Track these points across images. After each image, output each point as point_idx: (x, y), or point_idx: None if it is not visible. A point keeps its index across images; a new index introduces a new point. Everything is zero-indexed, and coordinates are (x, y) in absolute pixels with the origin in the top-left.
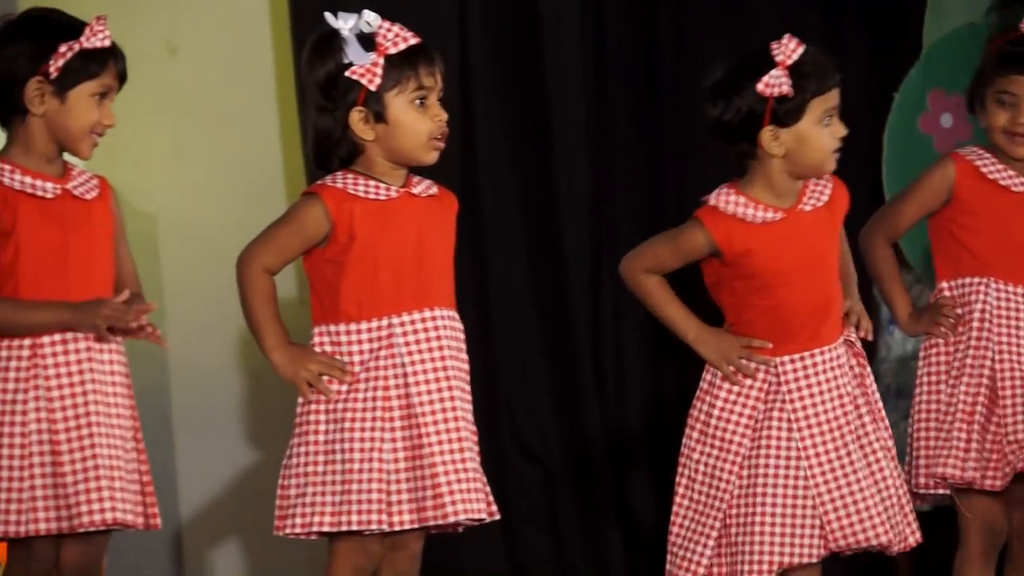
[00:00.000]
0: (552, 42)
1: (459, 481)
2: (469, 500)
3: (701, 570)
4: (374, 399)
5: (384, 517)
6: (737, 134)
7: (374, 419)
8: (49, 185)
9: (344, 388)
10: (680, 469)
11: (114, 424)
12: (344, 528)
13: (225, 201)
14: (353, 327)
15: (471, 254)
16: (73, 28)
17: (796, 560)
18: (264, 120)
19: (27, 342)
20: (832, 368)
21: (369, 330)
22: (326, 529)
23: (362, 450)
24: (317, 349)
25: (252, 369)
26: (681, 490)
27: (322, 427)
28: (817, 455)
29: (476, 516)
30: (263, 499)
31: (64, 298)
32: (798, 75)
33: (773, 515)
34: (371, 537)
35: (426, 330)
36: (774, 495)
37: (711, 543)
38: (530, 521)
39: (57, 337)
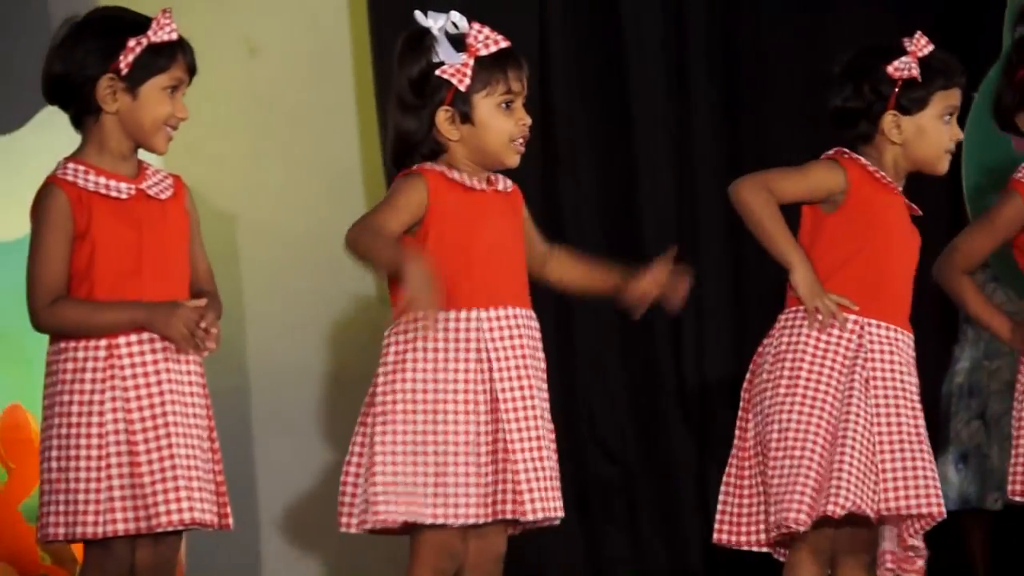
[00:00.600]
0: (633, 41)
1: (538, 480)
2: (547, 499)
3: (802, 516)
4: (455, 391)
5: (462, 511)
6: (860, 116)
7: (456, 412)
8: (123, 185)
9: (427, 380)
10: (769, 424)
11: (190, 424)
12: (428, 520)
13: (304, 201)
14: (440, 315)
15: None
16: (140, 24)
17: (869, 508)
18: (343, 120)
19: (103, 343)
20: (910, 348)
21: (456, 319)
22: (405, 519)
23: (446, 443)
24: (400, 338)
25: (331, 370)
26: (774, 444)
27: (399, 417)
28: (889, 421)
29: (552, 515)
30: None
31: (139, 297)
32: (926, 67)
33: (851, 463)
34: (453, 535)
35: (509, 327)
36: (852, 447)
37: (810, 487)
38: (609, 520)
39: (133, 338)
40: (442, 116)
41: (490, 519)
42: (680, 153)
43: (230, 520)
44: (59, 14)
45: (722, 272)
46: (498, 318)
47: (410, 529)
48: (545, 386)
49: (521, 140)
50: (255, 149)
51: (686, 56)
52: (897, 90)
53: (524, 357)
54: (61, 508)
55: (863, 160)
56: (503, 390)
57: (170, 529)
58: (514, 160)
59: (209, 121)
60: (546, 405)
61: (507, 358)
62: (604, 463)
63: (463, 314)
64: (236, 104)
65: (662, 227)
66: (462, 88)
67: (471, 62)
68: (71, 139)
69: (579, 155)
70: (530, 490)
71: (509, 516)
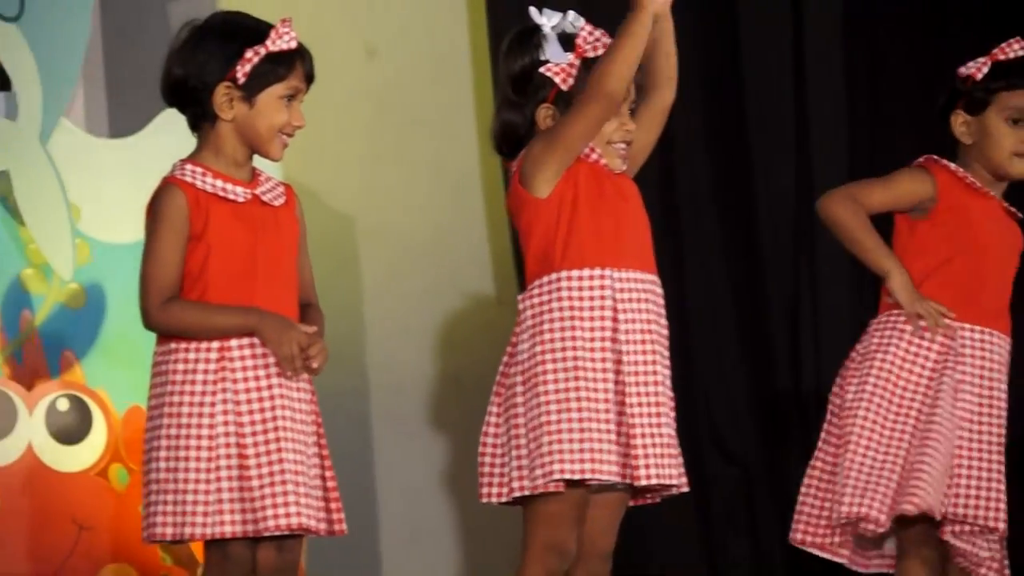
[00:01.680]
0: (750, 38)
1: (655, 446)
2: (662, 466)
3: (882, 516)
4: (591, 348)
5: (606, 468)
6: (942, 117)
7: (595, 369)
8: (240, 189)
9: (564, 338)
10: (853, 418)
11: (299, 430)
12: (582, 475)
13: (422, 203)
14: (575, 273)
15: (669, 254)
16: (259, 31)
17: (938, 510)
18: (461, 121)
19: (215, 345)
20: (1005, 351)
21: (591, 277)
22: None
23: (588, 400)
24: (536, 300)
25: (451, 371)
26: (855, 439)
27: (549, 376)
28: (971, 428)
29: (668, 483)
30: (462, 501)
31: (250, 302)
32: (996, 67)
33: (932, 465)
34: (572, 506)
35: (637, 291)
36: (934, 449)
37: (892, 485)
38: (728, 522)
39: (245, 341)
40: (543, 114)
41: (623, 479)
42: (799, 152)
43: (344, 526)
44: (179, 17)
45: (839, 269)
46: (626, 279)
47: (522, 501)
48: (667, 354)
49: (624, 144)
50: (373, 151)
51: (803, 52)
52: (964, 90)
53: (649, 322)
54: (170, 508)
55: (952, 166)
56: (627, 352)
57: (276, 533)
58: (617, 163)
59: (327, 124)
60: (667, 373)
61: (633, 320)
62: (723, 464)
63: (596, 272)
64: (354, 106)
65: (779, 222)
66: (564, 88)
67: (577, 63)
68: (191, 142)
69: (695, 147)
70: (645, 455)
71: (626, 480)
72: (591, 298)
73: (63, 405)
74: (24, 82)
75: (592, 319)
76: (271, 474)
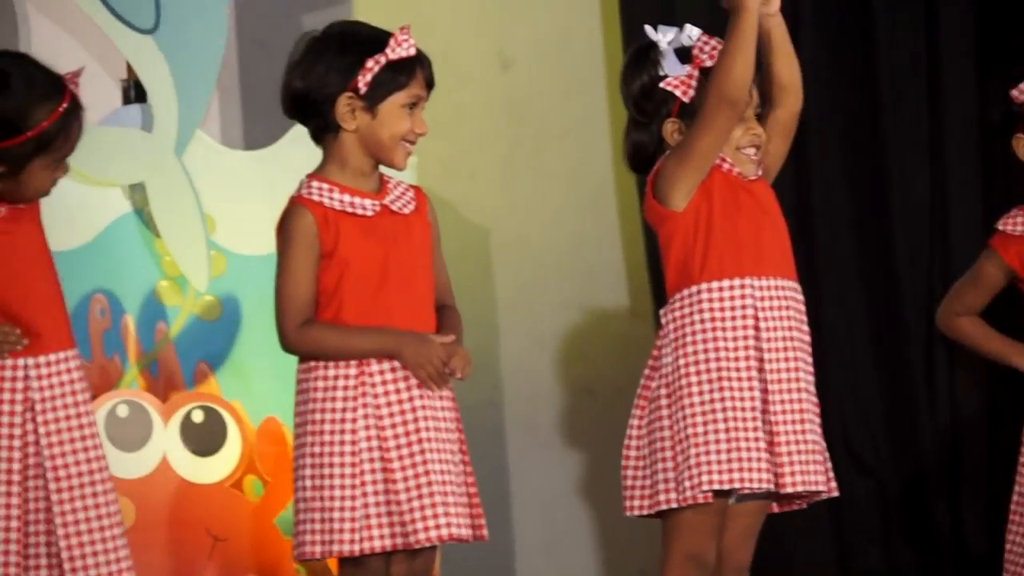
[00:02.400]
0: (885, 47)
1: (800, 453)
2: (808, 472)
3: None
4: (736, 358)
5: (756, 476)
6: (1003, 140)
7: (740, 379)
8: (368, 202)
9: (707, 349)
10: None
11: (443, 439)
12: (728, 486)
13: (557, 215)
14: (715, 284)
15: (805, 266)
16: (378, 40)
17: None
18: (596, 133)
19: (354, 361)
20: None
21: (732, 288)
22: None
23: (735, 409)
24: (678, 313)
25: (584, 382)
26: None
27: (694, 389)
28: None
29: (814, 488)
30: (596, 510)
31: (386, 315)
32: None
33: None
34: (713, 515)
35: (778, 298)
36: None
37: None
38: (861, 532)
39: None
40: (669, 128)
41: (770, 487)
42: (934, 162)
43: (485, 531)
44: (314, 27)
45: None
46: (767, 287)
47: (663, 513)
48: (810, 359)
49: (753, 149)
50: (508, 163)
51: (939, 63)
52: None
53: (791, 329)
54: (317, 526)
55: (1011, 224)
56: (770, 360)
57: (427, 545)
58: (750, 170)
59: (463, 135)
60: (811, 379)
61: (775, 328)
62: (856, 474)
63: (736, 282)
64: (490, 118)
65: (913, 232)
66: (686, 100)
67: (696, 73)
68: (320, 155)
69: (829, 165)
70: (791, 462)
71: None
72: (732, 308)
73: (198, 417)
74: (160, 94)
75: (735, 328)
76: (418, 487)
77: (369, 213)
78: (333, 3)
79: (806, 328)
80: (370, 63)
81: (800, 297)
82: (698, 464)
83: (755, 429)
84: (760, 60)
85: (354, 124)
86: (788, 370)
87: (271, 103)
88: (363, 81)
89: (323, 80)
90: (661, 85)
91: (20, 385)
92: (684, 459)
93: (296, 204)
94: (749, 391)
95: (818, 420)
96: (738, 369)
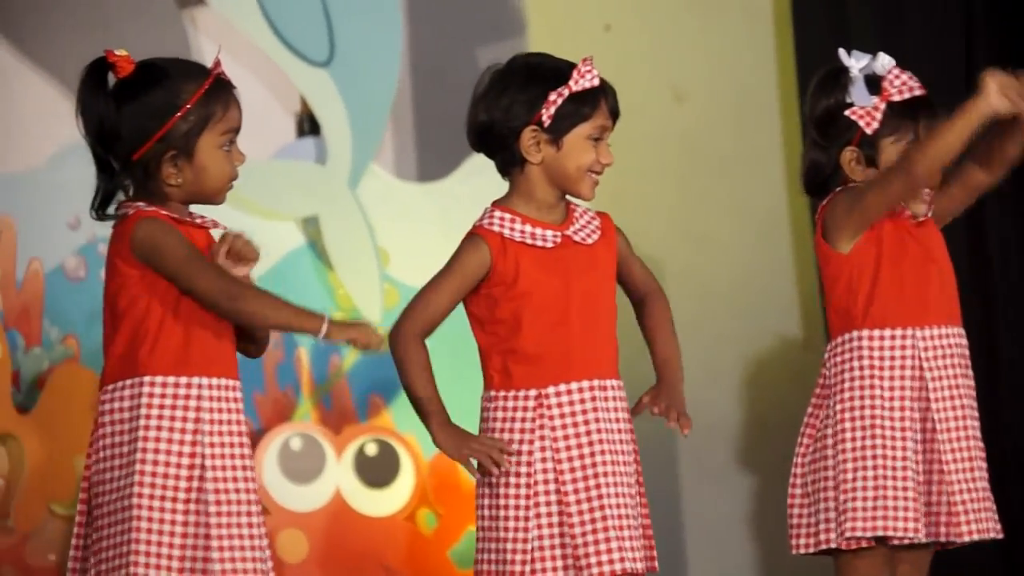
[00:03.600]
0: None
1: (973, 501)
2: (981, 520)
3: None
4: (891, 408)
5: (910, 525)
6: None
7: (894, 428)
8: (549, 233)
9: (864, 396)
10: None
11: (620, 472)
12: (875, 532)
13: (729, 247)
14: (876, 333)
15: (979, 304)
16: (561, 72)
17: None
18: (768, 164)
19: (532, 392)
20: None
21: (893, 338)
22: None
23: (884, 458)
24: (839, 359)
25: (757, 413)
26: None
27: (851, 436)
28: None
29: (988, 537)
30: (768, 543)
31: (566, 346)
32: None
33: None
34: (880, 560)
35: (942, 347)
36: None
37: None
38: None
39: (562, 387)
40: (847, 156)
41: (925, 538)
42: None
43: (656, 563)
44: (488, 60)
45: None
46: (931, 337)
47: (830, 553)
48: (975, 404)
49: (927, 190)
50: (681, 193)
51: None
52: None
53: (956, 376)
54: (492, 556)
55: None
56: (938, 410)
57: None
58: (920, 209)
59: (636, 167)
60: (977, 424)
61: (941, 377)
62: None
63: (898, 332)
64: (662, 150)
65: None
66: (869, 132)
67: (883, 106)
68: (499, 186)
69: (1007, 185)
70: (966, 511)
71: (943, 538)
72: (892, 358)
73: (371, 449)
74: (334, 127)
75: (892, 379)
76: (592, 520)
77: (549, 244)
78: (507, 35)
79: (970, 373)
80: (553, 96)
81: (964, 343)
82: (846, 511)
83: (905, 479)
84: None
85: (539, 157)
86: (957, 419)
87: (445, 135)
88: (547, 114)
89: (507, 113)
90: (846, 112)
91: (193, 404)
92: (837, 503)
93: (474, 234)
94: (902, 440)
95: (984, 464)
96: (892, 419)
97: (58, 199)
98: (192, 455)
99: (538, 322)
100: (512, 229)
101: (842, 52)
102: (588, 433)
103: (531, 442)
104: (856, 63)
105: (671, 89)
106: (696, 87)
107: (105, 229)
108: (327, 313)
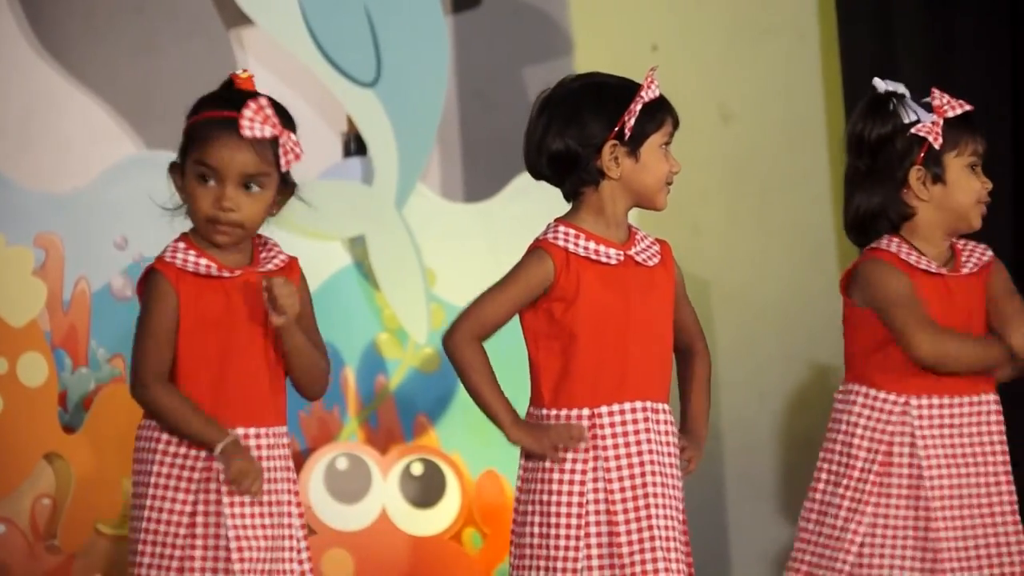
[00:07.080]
0: None
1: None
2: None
3: None
4: (861, 468)
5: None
6: None
7: (848, 486)
8: (612, 251)
9: (843, 452)
10: None
11: (669, 495)
12: None
13: (777, 268)
14: (872, 392)
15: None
16: (627, 85)
17: None
18: (817, 186)
19: (586, 412)
20: None
21: (885, 401)
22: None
23: (835, 517)
24: (839, 405)
25: (803, 435)
26: None
27: (822, 487)
28: None
29: None
30: None
31: (623, 362)
32: None
33: None
34: None
35: (937, 416)
36: None
37: None
38: None
39: (615, 407)
40: (915, 175)
41: None
42: None
43: None
44: (534, 79)
45: None
46: (928, 406)
47: None
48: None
49: (984, 205)
50: (730, 216)
51: None
52: None
53: (954, 447)
54: (541, 575)
55: None
56: (931, 477)
57: None
58: (979, 222)
59: (684, 188)
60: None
61: (936, 446)
62: None
63: (892, 396)
64: (711, 170)
65: None
66: (936, 146)
67: (940, 121)
68: (545, 207)
69: None
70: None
71: None
72: (878, 420)
73: (417, 469)
74: (380, 147)
75: (872, 440)
76: (640, 540)
77: (613, 262)
78: (554, 56)
79: (976, 441)
80: (632, 107)
81: (982, 416)
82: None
83: (855, 532)
84: None
85: (618, 171)
86: (951, 487)
87: (491, 155)
88: (627, 126)
89: (584, 133)
90: (913, 131)
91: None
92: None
93: (539, 247)
94: (863, 504)
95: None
96: (861, 480)
97: (105, 218)
98: (195, 502)
99: (596, 339)
100: (576, 245)
101: (877, 81)
102: (640, 454)
103: (584, 461)
104: (896, 87)
105: (718, 109)
106: (743, 108)
107: (151, 249)
108: (231, 436)
